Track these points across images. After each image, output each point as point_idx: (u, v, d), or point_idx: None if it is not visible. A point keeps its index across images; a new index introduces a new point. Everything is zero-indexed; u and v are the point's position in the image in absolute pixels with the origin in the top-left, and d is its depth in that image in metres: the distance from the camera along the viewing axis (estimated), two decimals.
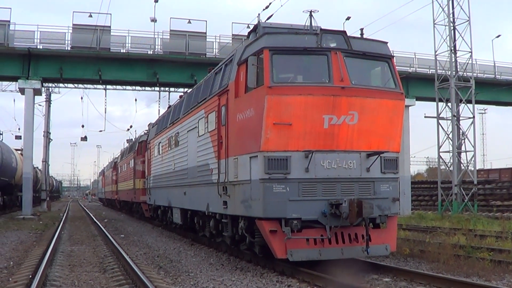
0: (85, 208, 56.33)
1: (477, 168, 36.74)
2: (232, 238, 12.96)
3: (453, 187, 33.11)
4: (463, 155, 34.28)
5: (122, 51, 34.08)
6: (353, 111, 10.78)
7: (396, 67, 11.81)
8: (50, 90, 42.11)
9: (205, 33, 35.24)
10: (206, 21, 35.44)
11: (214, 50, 35.11)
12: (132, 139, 45.55)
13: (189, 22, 35.16)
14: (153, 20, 35.90)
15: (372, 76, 11.81)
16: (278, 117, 10.46)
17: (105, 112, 46.46)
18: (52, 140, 43.95)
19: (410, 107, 37.86)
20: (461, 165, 34.23)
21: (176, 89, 38.92)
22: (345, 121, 10.74)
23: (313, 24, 12.44)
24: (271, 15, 21.08)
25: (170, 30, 34.86)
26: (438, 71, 34.35)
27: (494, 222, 25.26)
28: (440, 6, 34.07)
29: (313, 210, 10.61)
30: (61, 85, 37.93)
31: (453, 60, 33.98)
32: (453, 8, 33.95)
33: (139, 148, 31.08)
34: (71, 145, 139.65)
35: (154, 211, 24.87)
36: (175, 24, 35.05)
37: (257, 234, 11.26)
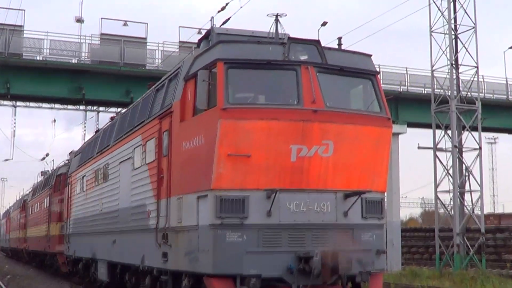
0: None
1: (485, 213, 36.81)
2: None
3: (455, 236, 32.85)
4: (467, 195, 33.98)
5: (38, 58, 33.86)
6: (328, 140, 10.99)
7: (382, 86, 12.14)
8: None
9: (146, 38, 35.49)
10: (146, 23, 35.68)
11: (157, 61, 35.36)
12: (48, 171, 45.01)
13: (125, 24, 35.31)
14: (79, 21, 35.92)
15: (352, 97, 12.08)
16: (233, 147, 10.61)
17: (13, 136, 44.64)
18: None
19: (400, 135, 38.41)
20: (465, 208, 34.00)
21: (106, 109, 38.84)
22: (317, 153, 10.92)
23: (279, 32, 12.71)
24: (228, 19, 21.23)
25: (101, 34, 34.92)
26: (436, 90, 34.37)
27: (507, 282, 25.21)
28: (439, 9, 33.11)
29: (277, 265, 10.59)
30: None
31: (454, 76, 33.94)
32: (455, 12, 33.55)
33: (56, 183, 30.78)
34: None
35: (74, 264, 24.60)
36: (107, 26, 35.16)
37: None
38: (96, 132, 24.49)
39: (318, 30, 34.96)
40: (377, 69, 12.10)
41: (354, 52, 12.14)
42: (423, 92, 38.89)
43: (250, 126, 10.70)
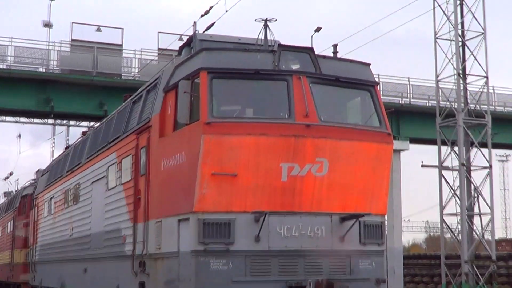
0: None
1: (496, 238, 36.56)
2: None
3: (463, 264, 32.66)
4: (476, 219, 33.62)
5: (1, 67, 33.79)
6: (322, 157, 11.07)
7: (382, 98, 12.25)
8: None
9: (121, 45, 35.51)
10: (122, 29, 35.68)
11: (133, 70, 35.39)
12: (12, 192, 44.80)
13: (99, 29, 35.34)
14: (47, 25, 35.90)
15: (349, 110, 12.25)
16: (218, 165, 10.67)
17: None
18: None
19: (402, 152, 38.53)
20: (474, 233, 33.85)
21: (78, 123, 38.80)
22: (310, 172, 11.01)
23: (269, 38, 12.86)
24: (212, 24, 21.31)
25: (71, 40, 34.88)
26: (441, 103, 34.11)
27: None
28: (445, 14, 32.74)
29: None
30: None
31: (462, 87, 33.74)
32: (462, 16, 33.34)
33: (21, 204, 30.62)
34: None
35: None
36: (79, 31, 35.10)
37: None
38: (66, 148, 24.47)
39: (312, 36, 34.88)
40: (377, 80, 12.21)
41: (351, 61, 12.30)
42: (427, 104, 39.02)
43: (236, 142, 10.78)
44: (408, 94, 39.55)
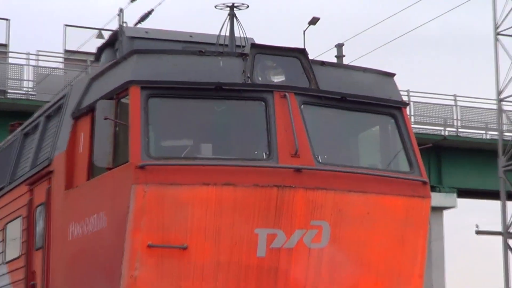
0: None
1: None
2: None
3: None
4: None
5: None
6: (320, 220, 10.91)
7: (414, 127, 12.09)
8: None
9: (6, 45, 35.34)
10: (8, 20, 35.54)
11: (26, 84, 35.16)
12: None
13: None
14: None
15: (362, 145, 12.18)
16: (158, 233, 10.52)
17: None
18: None
19: (445, 211, 38.35)
20: None
21: None
22: (302, 242, 10.83)
23: (238, 35, 12.82)
24: (149, 12, 21.11)
25: None
26: (505, 134, 34.42)
27: None
28: None
29: None
30: None
31: None
32: None
33: None
34: None
35: None
36: None
37: None
38: None
39: (304, 32, 34.52)
40: (405, 98, 12.04)
41: (364, 70, 12.26)
42: (484, 137, 38.79)
43: (186, 196, 10.61)
44: (454, 121, 39.10)
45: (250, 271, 10.70)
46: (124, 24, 13.64)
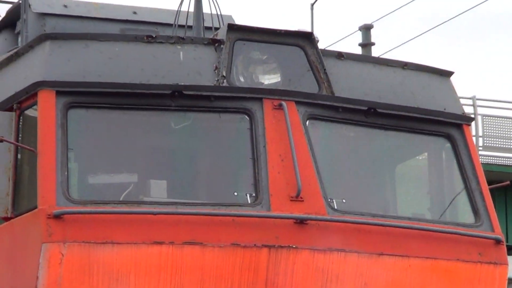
0: None
1: None
2: None
3: None
4: None
5: None
6: None
7: (482, 157, 10.00)
8: None
9: None
10: None
11: None
12: None
13: None
14: None
15: (402, 183, 10.81)
16: None
17: None
18: None
19: None
20: None
21: None
22: None
23: (208, 11, 11.04)
24: None
25: None
26: None
27: None
28: None
29: None
30: None
31: None
32: None
33: None
34: None
35: None
36: None
37: None
38: None
39: (312, 5, 31.77)
40: (470, 110, 9.79)
41: (405, 66, 10.34)
42: None
43: (127, 262, 9.08)
44: None
45: None
46: None
